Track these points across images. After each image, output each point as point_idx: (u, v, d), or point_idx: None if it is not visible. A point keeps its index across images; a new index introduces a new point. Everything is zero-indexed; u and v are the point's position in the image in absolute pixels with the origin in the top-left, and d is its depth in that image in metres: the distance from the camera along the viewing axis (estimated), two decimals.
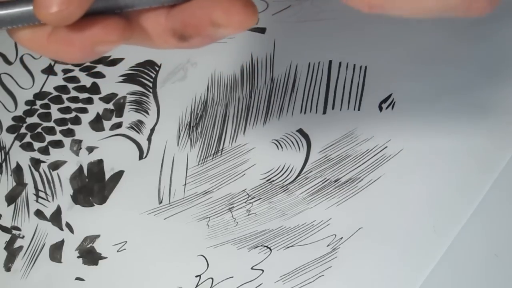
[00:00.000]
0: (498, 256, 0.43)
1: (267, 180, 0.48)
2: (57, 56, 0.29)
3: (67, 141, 0.52)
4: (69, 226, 0.49)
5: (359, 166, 0.47)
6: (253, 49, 0.53)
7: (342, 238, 0.45)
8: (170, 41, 0.29)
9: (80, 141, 0.52)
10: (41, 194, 0.50)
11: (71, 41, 0.28)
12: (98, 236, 0.48)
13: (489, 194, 0.44)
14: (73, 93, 0.54)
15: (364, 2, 0.26)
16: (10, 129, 0.53)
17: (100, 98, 0.53)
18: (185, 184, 0.49)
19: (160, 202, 0.48)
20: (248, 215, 0.47)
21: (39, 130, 0.53)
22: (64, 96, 0.54)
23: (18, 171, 0.51)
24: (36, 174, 0.51)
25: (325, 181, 0.47)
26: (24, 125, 0.53)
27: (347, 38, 0.52)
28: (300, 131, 0.49)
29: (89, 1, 0.26)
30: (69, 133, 0.52)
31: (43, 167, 0.51)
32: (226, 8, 0.27)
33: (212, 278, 0.45)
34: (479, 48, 0.49)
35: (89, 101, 0.53)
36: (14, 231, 0.49)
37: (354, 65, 0.51)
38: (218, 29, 0.27)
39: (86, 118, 0.53)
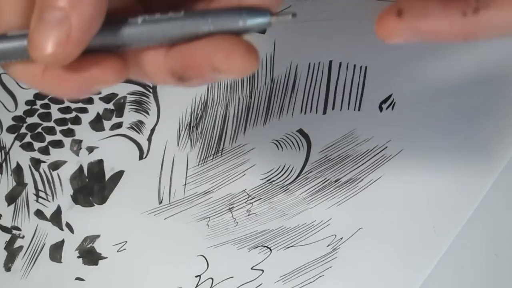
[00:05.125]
0: (498, 256, 0.43)
1: (267, 180, 0.48)
2: (52, 92, 0.29)
3: (67, 141, 0.52)
4: (69, 226, 0.49)
5: (359, 166, 0.47)
6: None
7: (342, 238, 0.45)
8: (168, 80, 0.28)
9: (80, 141, 0.52)
10: (41, 194, 0.50)
11: (67, 80, 0.27)
12: (98, 236, 0.48)
13: (489, 195, 0.45)
14: None
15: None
16: (10, 129, 0.53)
17: (100, 98, 0.53)
18: (185, 184, 0.49)
19: (160, 202, 0.48)
20: (248, 215, 0.47)
21: (39, 130, 0.53)
22: None
23: (18, 171, 0.51)
24: (36, 174, 0.51)
25: (325, 181, 0.47)
26: (24, 125, 0.53)
27: (348, 38, 0.52)
28: (300, 131, 0.49)
29: (86, 42, 0.26)
30: (69, 133, 0.52)
31: (43, 167, 0.51)
32: (228, 52, 0.26)
33: (212, 278, 0.45)
34: (479, 49, 0.49)
35: (89, 101, 0.53)
36: (14, 231, 0.49)
37: (355, 65, 0.51)
38: (219, 74, 0.27)
39: (86, 118, 0.53)
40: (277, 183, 0.47)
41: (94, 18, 0.26)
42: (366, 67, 0.51)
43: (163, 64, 0.28)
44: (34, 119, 0.53)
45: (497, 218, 0.44)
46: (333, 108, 0.50)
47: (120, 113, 0.52)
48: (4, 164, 0.51)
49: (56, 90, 0.28)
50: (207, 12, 0.27)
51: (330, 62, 0.51)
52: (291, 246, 0.45)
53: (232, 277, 0.45)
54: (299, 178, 0.47)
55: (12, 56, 0.27)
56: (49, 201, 0.50)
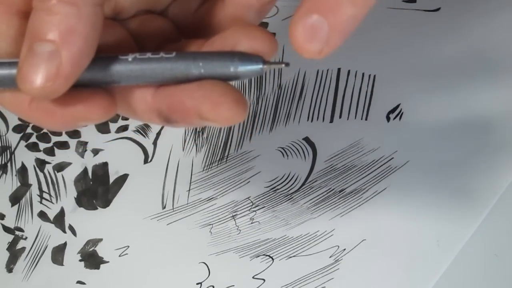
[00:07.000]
0: (498, 256, 0.43)
1: (272, 189, 0.47)
2: (37, 123, 0.29)
3: (72, 142, 0.52)
4: (72, 228, 0.48)
5: (364, 177, 0.47)
6: None
7: (345, 249, 0.44)
8: (154, 120, 0.28)
9: (85, 143, 0.52)
10: (45, 195, 0.50)
11: (53, 113, 0.27)
12: (101, 240, 0.48)
13: (496, 208, 0.44)
14: None
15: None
16: (16, 129, 0.53)
17: None
18: (189, 190, 0.48)
19: (164, 207, 0.48)
20: (252, 223, 0.46)
21: (45, 130, 0.52)
22: None
23: (23, 171, 0.51)
24: (40, 175, 0.51)
25: (329, 191, 0.46)
26: (30, 125, 0.53)
27: (357, 46, 0.51)
28: (307, 139, 0.49)
29: (75, 77, 0.26)
30: (74, 134, 0.52)
31: (48, 168, 0.51)
32: (215, 103, 0.26)
33: (213, 286, 0.45)
34: (490, 61, 0.48)
35: None
36: (17, 232, 0.49)
37: (363, 73, 0.50)
38: (205, 122, 0.27)
39: None
40: (282, 191, 0.47)
41: (85, 53, 0.26)
42: (374, 76, 0.50)
43: (151, 103, 0.28)
44: None
45: (497, 219, 0.44)
46: (340, 117, 0.49)
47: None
48: (9, 164, 0.51)
49: (41, 122, 0.28)
50: (199, 55, 0.27)
51: (339, 69, 0.51)
52: (293, 256, 0.45)
53: (233, 285, 0.45)
54: (303, 187, 0.47)
55: (0, 83, 0.27)
56: (52, 202, 0.50)
